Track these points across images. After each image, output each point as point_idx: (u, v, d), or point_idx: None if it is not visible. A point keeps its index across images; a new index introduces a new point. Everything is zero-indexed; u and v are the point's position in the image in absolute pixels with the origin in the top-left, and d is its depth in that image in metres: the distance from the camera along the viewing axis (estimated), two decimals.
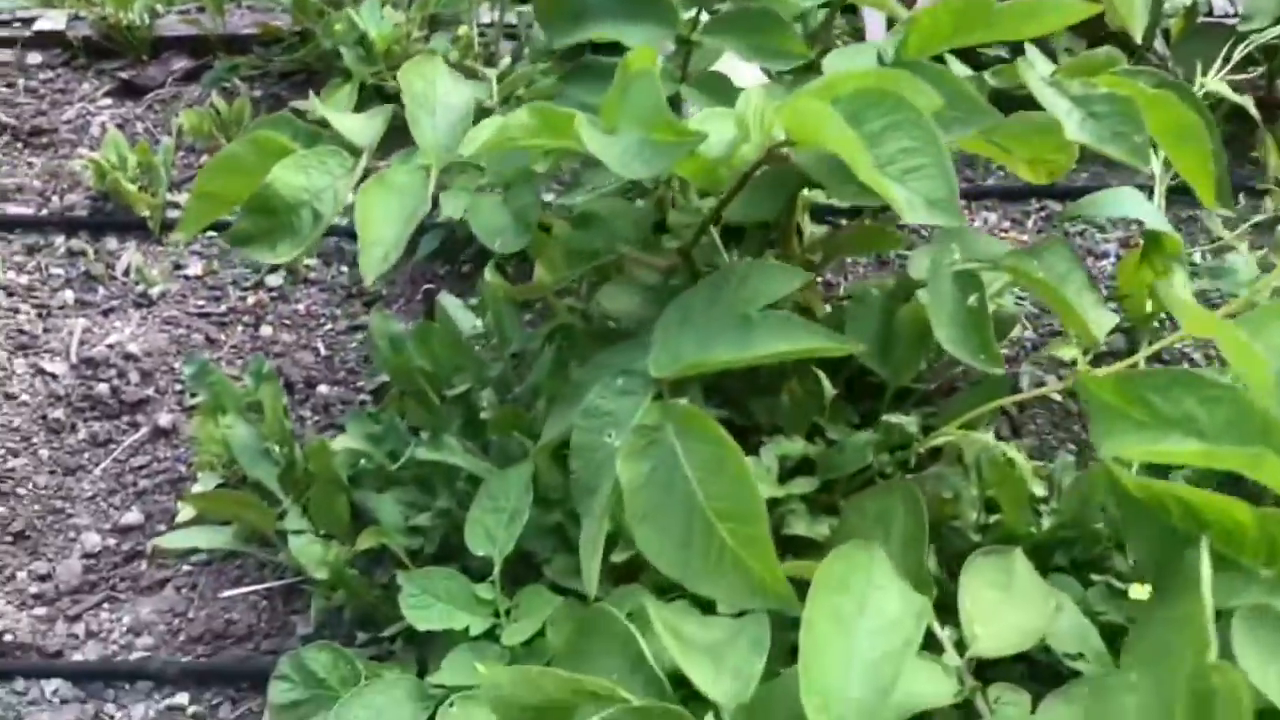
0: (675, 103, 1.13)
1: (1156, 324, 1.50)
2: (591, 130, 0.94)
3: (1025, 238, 1.75)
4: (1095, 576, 1.13)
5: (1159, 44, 1.98)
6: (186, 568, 1.36)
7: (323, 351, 1.60)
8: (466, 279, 1.71)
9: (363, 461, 1.23)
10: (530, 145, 1.01)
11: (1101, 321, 1.18)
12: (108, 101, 2.03)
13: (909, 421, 1.12)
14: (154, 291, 1.65)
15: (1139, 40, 1.38)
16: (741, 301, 1.04)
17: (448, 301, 1.51)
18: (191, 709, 1.24)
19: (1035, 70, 1.12)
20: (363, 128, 1.25)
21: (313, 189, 1.18)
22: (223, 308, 1.65)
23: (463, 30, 1.85)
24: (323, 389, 1.55)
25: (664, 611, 0.92)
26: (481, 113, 1.55)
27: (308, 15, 2.00)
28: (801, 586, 0.86)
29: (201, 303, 1.65)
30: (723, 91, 1.11)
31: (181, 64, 2.12)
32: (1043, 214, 1.80)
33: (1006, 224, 1.78)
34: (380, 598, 1.24)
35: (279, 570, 1.33)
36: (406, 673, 1.15)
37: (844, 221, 1.66)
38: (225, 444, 1.31)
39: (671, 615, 0.92)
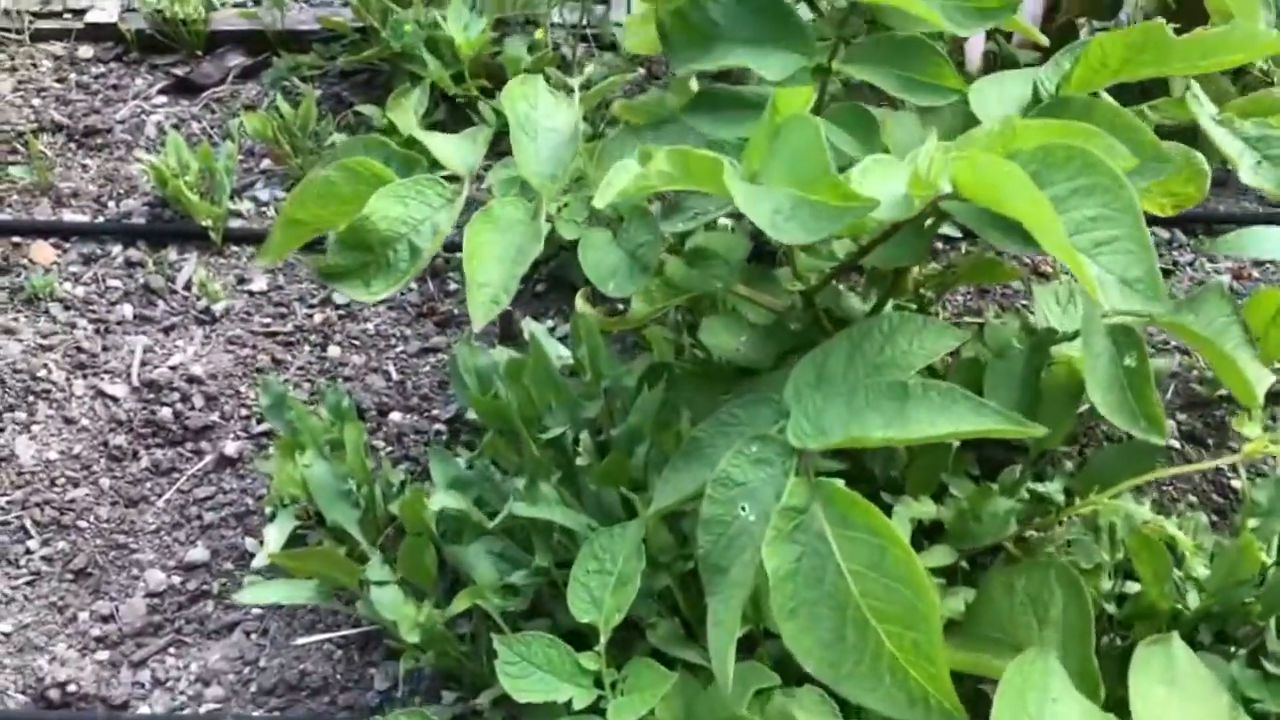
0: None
1: None
2: (740, 183, 0.85)
3: None
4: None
5: None
6: (256, 610, 1.28)
7: (394, 376, 1.52)
8: (541, 299, 1.62)
9: (472, 518, 1.15)
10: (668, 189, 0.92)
11: (1260, 379, 1.09)
12: (162, 100, 1.95)
13: (1055, 489, 1.03)
14: (217, 308, 1.57)
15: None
16: (889, 364, 0.95)
17: (536, 330, 1.43)
18: None
19: (1205, 107, 1.03)
20: (462, 154, 1.17)
21: (411, 221, 1.10)
22: (289, 326, 1.57)
23: (540, 34, 1.75)
24: (395, 416, 1.47)
25: (799, 707, 0.83)
26: None
27: (371, 12, 1.91)
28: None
29: (267, 320, 1.57)
30: (864, 127, 1.02)
31: (238, 60, 2.03)
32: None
33: None
34: (467, 653, 1.16)
35: (354, 616, 1.25)
36: None
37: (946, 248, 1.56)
38: (303, 484, 1.23)
39: (804, 711, 0.84)
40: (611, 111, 1.47)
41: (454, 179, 1.14)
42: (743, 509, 0.91)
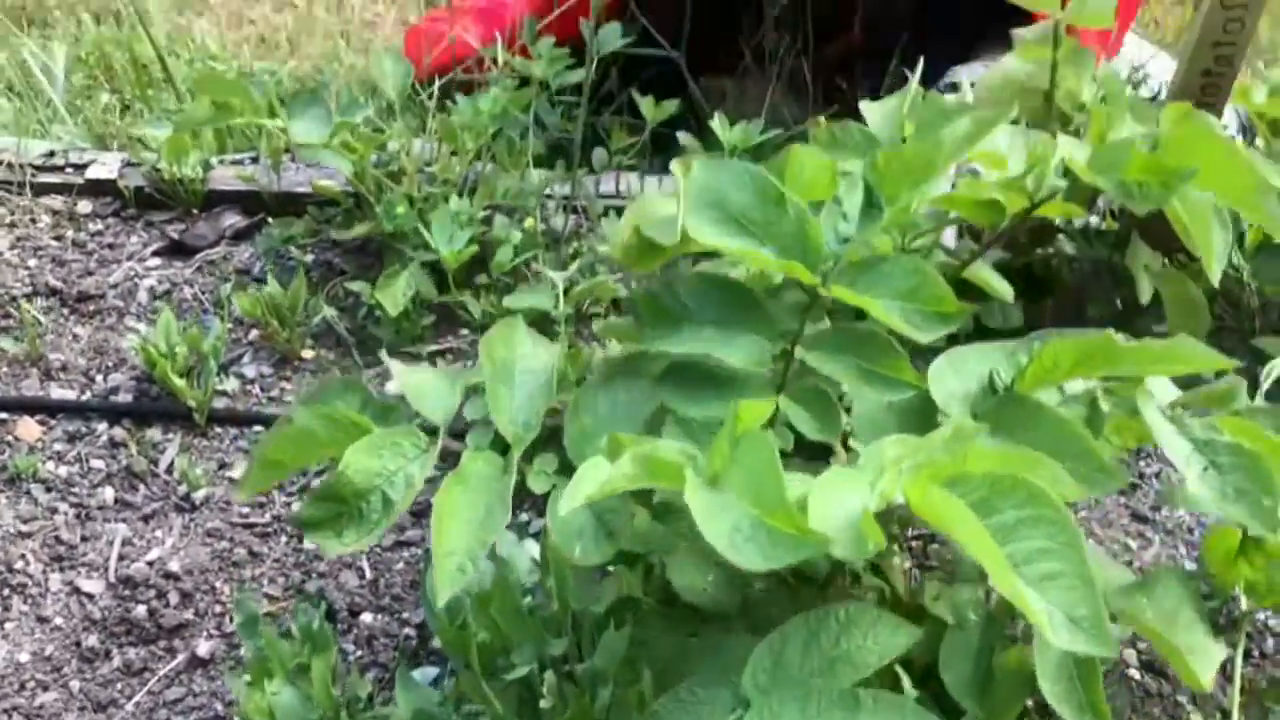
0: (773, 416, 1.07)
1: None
2: (700, 496, 0.88)
3: None
4: None
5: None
6: None
7: (368, 573, 1.54)
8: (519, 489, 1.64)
9: None
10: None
11: (1209, 662, 1.11)
12: (156, 262, 1.99)
13: None
14: (197, 495, 1.59)
15: (1215, 282, 1.33)
16: (844, 658, 0.97)
17: (506, 543, 1.45)
18: None
19: (1154, 402, 1.06)
20: (439, 401, 1.20)
21: (385, 473, 1.12)
22: (266, 516, 1.59)
23: (529, 223, 1.80)
24: (366, 618, 1.49)
25: None
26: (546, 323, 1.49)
27: (365, 184, 1.96)
28: None
29: (245, 510, 1.59)
30: (824, 407, 1.05)
31: (233, 220, 2.08)
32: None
33: None
34: None
35: None
36: None
37: None
38: (270, 712, 1.24)
39: None
40: (594, 329, 1.51)
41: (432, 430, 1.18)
42: None
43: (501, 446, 1.18)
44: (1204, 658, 1.09)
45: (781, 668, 0.99)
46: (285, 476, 1.29)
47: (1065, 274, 1.89)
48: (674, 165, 1.06)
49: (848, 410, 1.11)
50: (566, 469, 1.20)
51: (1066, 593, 0.82)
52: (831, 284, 1.03)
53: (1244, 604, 1.38)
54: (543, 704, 1.20)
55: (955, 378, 1.07)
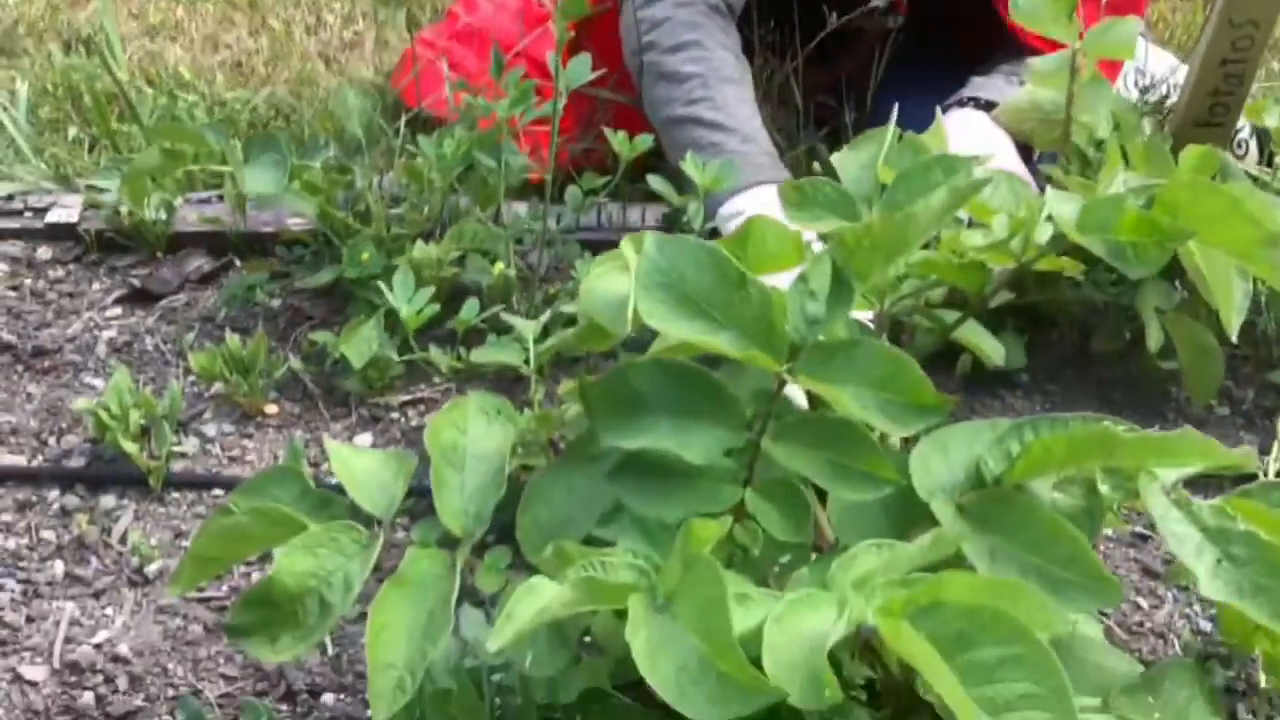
0: (739, 506, 0.98)
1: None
2: (644, 629, 0.79)
3: None
4: None
5: None
6: None
7: (329, 649, 1.45)
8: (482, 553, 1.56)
9: None
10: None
11: None
12: (117, 311, 1.91)
13: None
14: (150, 569, 1.51)
15: (1234, 338, 1.25)
16: None
17: (470, 618, 1.36)
18: None
19: (1159, 489, 0.97)
20: (382, 490, 1.12)
21: (322, 574, 1.04)
22: (224, 588, 1.50)
23: (498, 268, 1.71)
24: (327, 699, 1.40)
25: None
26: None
27: (332, 224, 1.88)
28: None
29: (200, 584, 1.51)
30: (795, 506, 0.96)
31: (198, 264, 1.99)
32: None
33: None
34: None
35: None
36: None
37: None
38: None
39: None
40: (560, 390, 1.42)
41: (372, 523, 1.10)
42: None
43: (450, 540, 1.10)
44: None
45: None
46: (222, 571, 1.21)
47: (1071, 309, 1.79)
48: (624, 244, 0.97)
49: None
50: (521, 564, 1.11)
51: None
52: (799, 372, 0.94)
53: (1263, 680, 1.29)
54: None
55: (940, 464, 0.99)
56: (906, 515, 0.97)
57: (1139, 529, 1.59)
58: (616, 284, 0.99)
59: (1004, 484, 0.93)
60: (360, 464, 1.14)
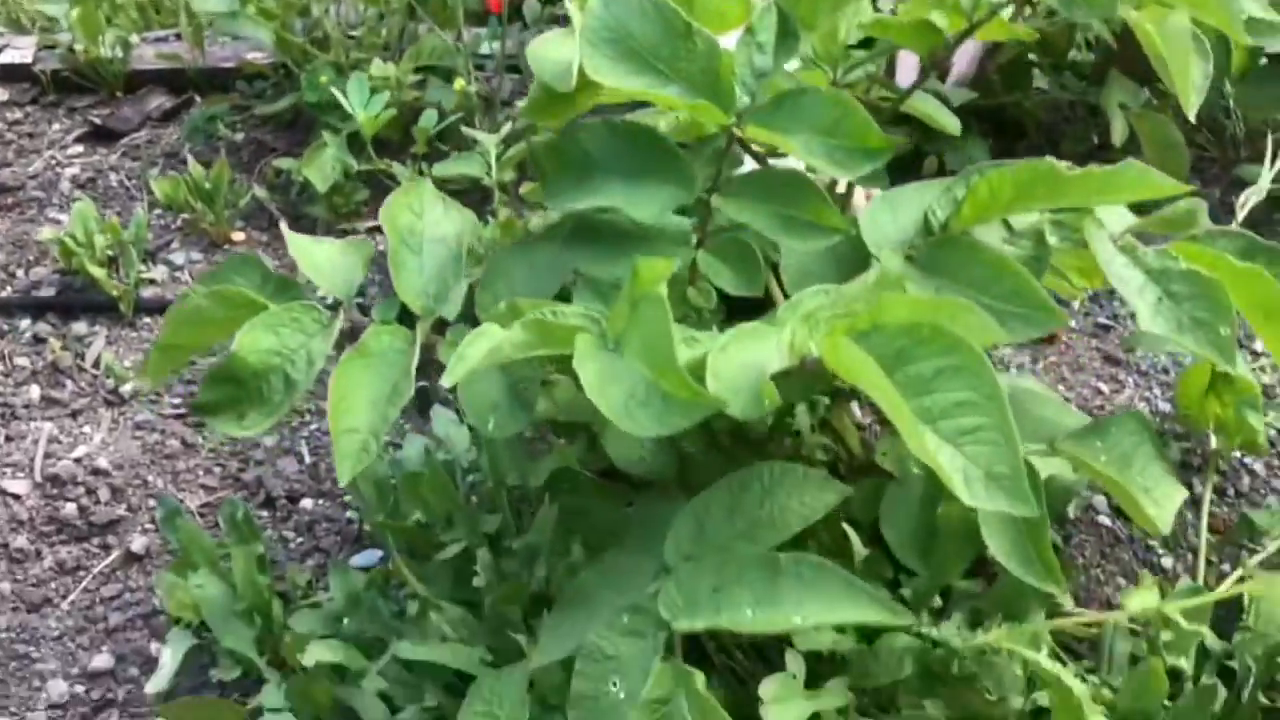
0: (693, 269, 0.99)
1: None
2: (593, 362, 0.81)
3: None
4: None
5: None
6: None
7: (307, 458, 1.48)
8: None
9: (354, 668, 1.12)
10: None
11: (1166, 504, 1.05)
12: (78, 149, 1.89)
13: (951, 635, 1.00)
14: (126, 389, 1.53)
15: (1192, 118, 1.25)
16: (768, 521, 0.91)
17: (441, 417, 1.39)
18: None
19: (1105, 234, 0.98)
20: (342, 273, 1.12)
21: (284, 351, 1.05)
22: None
23: (459, 84, 1.69)
24: (307, 504, 1.44)
25: None
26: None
27: (290, 53, 1.85)
28: None
29: (176, 400, 1.53)
30: (746, 262, 0.97)
31: (159, 102, 1.97)
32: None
33: None
34: None
35: None
36: None
37: None
38: (195, 606, 1.20)
39: None
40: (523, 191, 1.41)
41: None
42: (613, 684, 0.88)
43: (409, 320, 1.10)
44: (1162, 499, 1.03)
45: (705, 534, 0.93)
46: (186, 359, 1.22)
47: (1038, 113, 1.78)
48: (568, 2, 0.96)
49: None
50: None
51: (985, 448, 0.76)
52: (747, 123, 0.94)
53: (1214, 443, 1.32)
54: (476, 581, 1.15)
55: (890, 219, 0.99)
56: (856, 270, 0.99)
57: (1101, 320, 1.61)
58: (564, 47, 0.98)
59: (951, 230, 0.94)
60: (320, 252, 1.14)
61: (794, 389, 0.99)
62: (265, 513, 1.44)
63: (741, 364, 0.79)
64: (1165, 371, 1.55)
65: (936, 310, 0.79)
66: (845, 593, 0.82)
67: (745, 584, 0.85)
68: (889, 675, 1.02)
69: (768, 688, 0.98)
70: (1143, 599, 0.95)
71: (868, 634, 1.06)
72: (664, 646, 0.87)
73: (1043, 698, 1.07)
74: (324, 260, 1.13)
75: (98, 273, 1.58)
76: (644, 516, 1.08)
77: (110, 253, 1.64)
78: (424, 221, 1.13)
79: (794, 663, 1.03)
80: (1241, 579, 1.08)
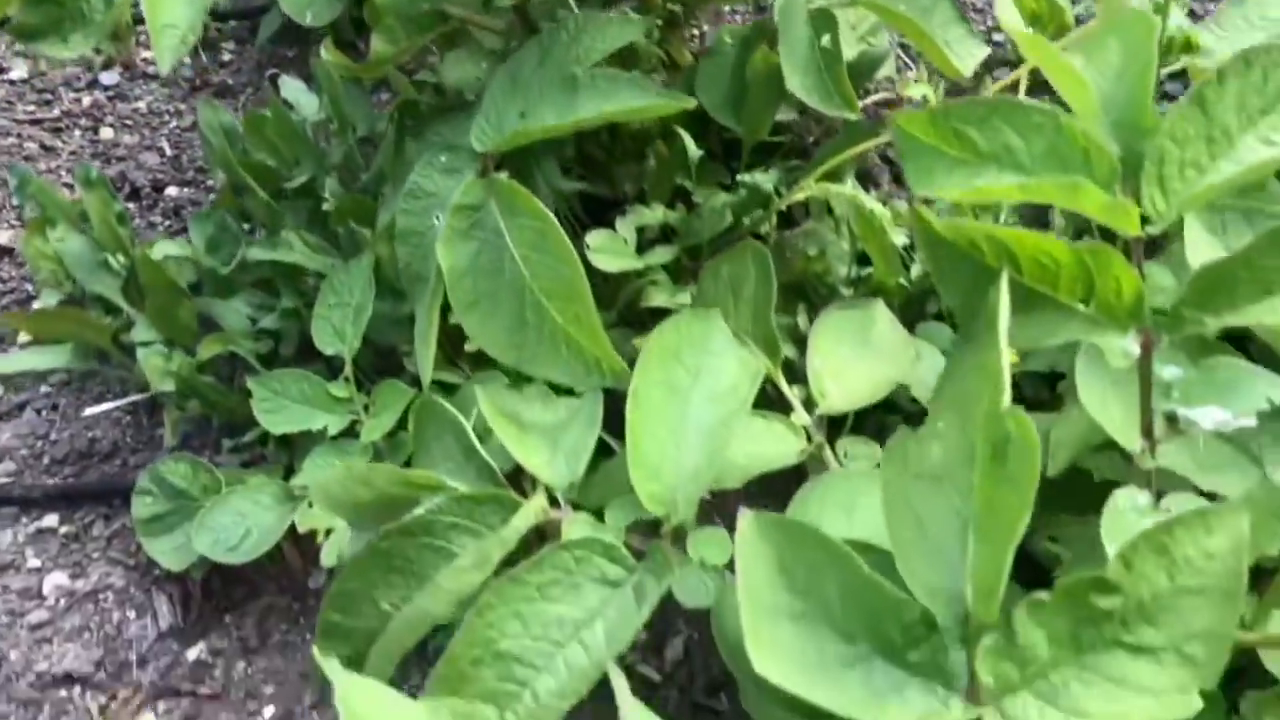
0: None
1: None
2: None
3: None
4: None
5: None
6: (45, 389, 1.31)
7: (169, 151, 1.50)
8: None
9: (205, 264, 1.16)
10: None
11: (969, 54, 1.11)
12: None
13: (765, 179, 1.07)
14: None
15: None
16: (573, 60, 0.96)
17: (289, 86, 1.41)
18: (63, 529, 1.21)
19: None
20: None
21: None
22: (55, 112, 1.53)
23: None
24: (171, 191, 1.47)
25: (500, 397, 0.88)
26: None
27: None
28: None
29: (31, 108, 1.53)
30: None
31: None
32: None
33: None
34: (243, 404, 1.20)
35: (142, 386, 1.28)
36: (273, 477, 1.12)
37: None
38: (58, 259, 1.23)
39: (510, 401, 0.89)
40: None
41: None
42: (436, 218, 0.93)
43: None
44: (965, 46, 1.08)
45: (518, 84, 0.98)
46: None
47: None
48: None
49: None
50: None
51: None
52: None
53: None
54: (325, 206, 1.20)
55: None
56: None
57: None
58: None
59: None
60: None
61: None
62: (132, 204, 1.46)
63: None
64: None
65: None
66: (633, 91, 0.88)
67: (548, 102, 0.91)
68: (710, 230, 1.09)
69: (595, 238, 1.05)
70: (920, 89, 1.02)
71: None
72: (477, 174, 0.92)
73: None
74: None
75: None
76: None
77: None
78: None
79: (624, 228, 1.10)
80: None
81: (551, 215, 0.83)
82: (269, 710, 1.09)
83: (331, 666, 0.53)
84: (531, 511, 0.73)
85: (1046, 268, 0.62)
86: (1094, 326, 0.63)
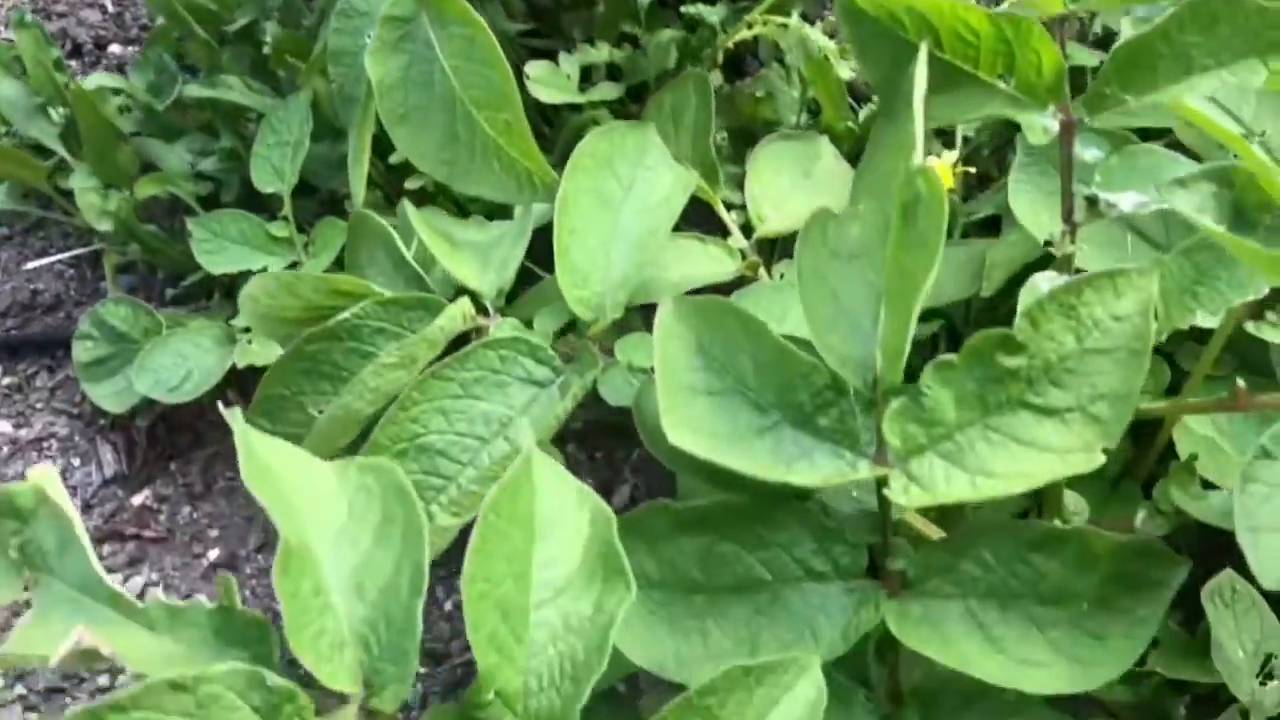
0: None
1: None
2: None
3: None
4: None
5: None
6: None
7: (110, 8, 1.47)
8: None
9: (141, 99, 1.14)
10: None
11: None
12: None
13: (711, 11, 1.05)
14: None
15: None
16: None
17: None
18: (6, 380, 1.20)
19: None
20: None
21: None
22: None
23: None
24: (115, 49, 1.43)
25: (435, 218, 0.87)
26: None
27: None
28: None
29: None
30: None
31: None
32: None
33: None
34: (185, 253, 1.18)
35: (85, 239, 1.26)
36: (215, 320, 1.11)
37: None
38: None
39: (445, 223, 0.88)
40: None
41: None
42: (368, 36, 0.91)
43: None
44: None
45: None
46: None
47: None
48: None
49: None
50: None
51: None
52: None
53: None
54: (266, 50, 1.17)
55: None
56: None
57: None
58: None
59: None
60: None
61: None
62: (74, 62, 1.43)
63: None
64: None
65: None
66: None
67: None
68: (656, 67, 1.08)
69: (535, 68, 1.03)
70: None
71: None
72: None
73: None
74: None
75: None
76: None
77: None
78: None
79: (568, 65, 1.08)
80: None
81: (482, 21, 0.81)
82: (213, 553, 1.10)
83: (233, 416, 0.52)
84: (457, 313, 0.73)
85: (967, 42, 0.61)
86: (1014, 103, 0.62)
